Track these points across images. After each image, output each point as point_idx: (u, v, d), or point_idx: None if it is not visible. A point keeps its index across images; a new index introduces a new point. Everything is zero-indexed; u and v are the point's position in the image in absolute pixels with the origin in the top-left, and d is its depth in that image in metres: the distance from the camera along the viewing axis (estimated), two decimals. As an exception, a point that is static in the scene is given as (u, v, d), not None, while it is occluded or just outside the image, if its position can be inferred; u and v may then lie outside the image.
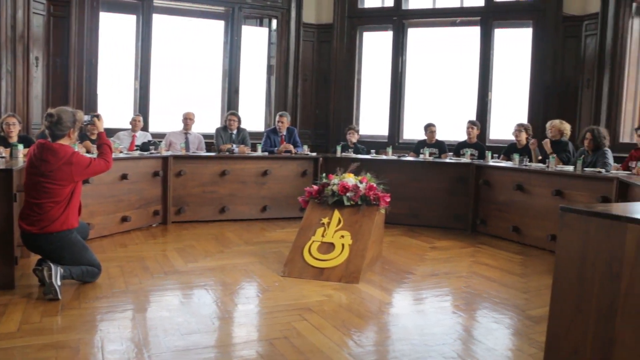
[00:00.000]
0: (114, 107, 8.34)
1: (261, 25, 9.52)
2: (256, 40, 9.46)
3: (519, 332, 3.58)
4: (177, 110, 8.17)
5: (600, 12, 7.74)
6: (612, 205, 4.18)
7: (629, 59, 7.71)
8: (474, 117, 8.40)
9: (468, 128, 7.76)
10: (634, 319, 2.23)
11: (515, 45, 8.77)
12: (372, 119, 9.57)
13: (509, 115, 8.48)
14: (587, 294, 2.43)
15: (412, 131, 9.08)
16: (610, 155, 6.36)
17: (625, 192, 5.18)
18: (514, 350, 3.27)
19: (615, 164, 6.31)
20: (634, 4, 7.59)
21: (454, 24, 8.99)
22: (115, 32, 8.39)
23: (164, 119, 8.66)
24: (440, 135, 8.11)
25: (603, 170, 5.96)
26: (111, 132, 7.37)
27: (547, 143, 6.78)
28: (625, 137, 7.74)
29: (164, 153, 6.86)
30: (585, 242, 2.43)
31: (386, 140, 9.08)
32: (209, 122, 8.88)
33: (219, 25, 9.14)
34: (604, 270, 2.35)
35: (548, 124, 7.03)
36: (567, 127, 6.93)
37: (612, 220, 2.33)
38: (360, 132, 8.80)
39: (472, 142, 7.76)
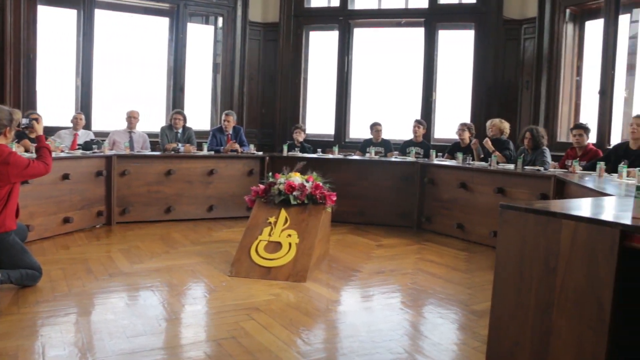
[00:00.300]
0: (54, 104, 8.11)
1: (207, 23, 9.43)
2: (202, 38, 9.37)
3: (463, 326, 3.68)
4: (121, 108, 8.02)
5: (537, 17, 8.02)
6: (550, 202, 4.35)
7: (564, 62, 8.01)
8: (418, 117, 8.54)
9: (414, 127, 7.90)
10: (568, 312, 2.34)
11: (458, 47, 8.97)
12: (319, 118, 9.61)
13: (453, 115, 8.67)
14: (525, 288, 2.52)
15: (358, 130, 9.17)
16: (548, 153, 6.60)
17: (562, 190, 5.38)
18: (458, 344, 3.36)
19: (553, 162, 6.53)
20: (568, 10, 7.89)
21: (399, 24, 9.12)
22: (55, 26, 8.14)
23: (107, 117, 8.48)
24: (386, 135, 8.23)
25: (542, 169, 6.18)
26: (52, 130, 7.19)
27: (487, 142, 6.98)
28: (562, 136, 8.03)
29: (108, 152, 6.71)
30: (524, 238, 2.52)
31: (333, 139, 9.14)
32: (154, 120, 8.74)
33: (163, 22, 9.01)
34: (541, 265, 2.45)
35: (488, 123, 7.24)
36: (506, 126, 7.16)
37: (548, 216, 2.43)
38: (307, 131, 8.83)
39: (418, 141, 7.90)
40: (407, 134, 8.13)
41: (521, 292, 2.55)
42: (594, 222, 2.27)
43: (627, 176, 4.97)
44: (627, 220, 2.25)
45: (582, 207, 2.79)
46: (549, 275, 2.42)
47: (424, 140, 7.99)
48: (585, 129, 6.44)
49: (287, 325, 3.53)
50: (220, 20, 9.25)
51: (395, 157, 7.61)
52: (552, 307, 2.41)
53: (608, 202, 3.08)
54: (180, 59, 8.92)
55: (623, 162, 5.33)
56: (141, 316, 3.63)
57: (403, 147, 7.99)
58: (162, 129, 7.71)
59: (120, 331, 3.33)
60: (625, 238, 2.16)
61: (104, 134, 7.65)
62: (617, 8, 7.25)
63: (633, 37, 7.42)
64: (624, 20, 7.40)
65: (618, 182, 4.74)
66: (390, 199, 7.17)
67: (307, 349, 3.18)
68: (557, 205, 2.78)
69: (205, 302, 4.05)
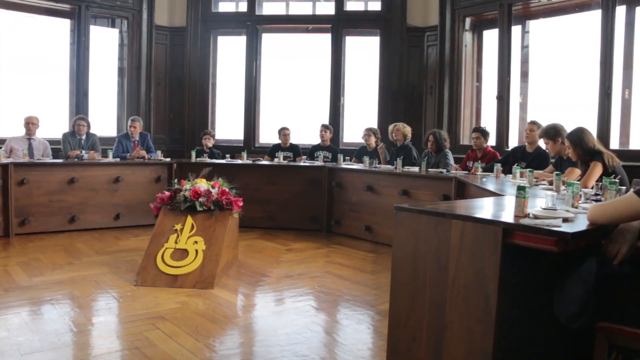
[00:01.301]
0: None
1: (113, 26, 9.16)
2: (107, 42, 9.10)
3: (369, 326, 3.80)
4: (19, 113, 7.64)
5: (439, 25, 8.35)
6: (450, 202, 4.54)
7: (465, 69, 8.39)
8: (327, 121, 8.68)
9: (321, 131, 8.03)
10: (459, 307, 2.47)
11: (365, 53, 9.19)
12: (228, 124, 9.57)
13: (361, 119, 8.86)
14: (420, 286, 2.64)
15: (268, 135, 9.19)
16: (450, 156, 6.89)
17: (462, 190, 5.64)
18: (364, 344, 3.46)
19: (455, 165, 6.82)
20: (467, 20, 8.26)
21: (306, 30, 9.23)
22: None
23: (3, 123, 8.06)
24: (296, 139, 8.30)
25: (444, 171, 6.43)
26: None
27: (382, 148, 7.25)
28: (465, 139, 8.39)
29: (4, 160, 6.40)
30: (417, 238, 2.64)
31: (242, 145, 9.11)
32: (56, 126, 8.38)
33: (65, 24, 8.68)
34: (433, 263, 2.57)
35: (391, 127, 7.47)
36: (408, 130, 7.40)
37: (439, 217, 2.55)
38: (217, 137, 8.78)
39: (325, 145, 8.03)
40: (316, 139, 8.24)
41: (416, 290, 2.66)
42: (479, 221, 2.41)
43: (520, 177, 5.26)
44: (509, 219, 2.40)
45: (475, 207, 2.95)
46: (441, 273, 2.54)
47: (332, 145, 8.13)
48: (482, 132, 6.77)
49: (192, 333, 3.51)
50: (125, 23, 9.02)
51: (303, 162, 7.69)
52: (445, 303, 2.53)
53: (499, 202, 3.26)
54: (84, 63, 8.61)
55: (519, 164, 5.67)
56: (39, 332, 3.49)
57: (311, 151, 8.10)
58: (64, 135, 7.43)
59: (13, 349, 3.18)
60: (507, 235, 2.31)
61: (0, 141, 7.28)
62: (509, 19, 7.68)
63: (526, 47, 7.88)
64: (517, 31, 7.85)
65: (512, 183, 5.02)
66: (299, 203, 7.25)
67: (212, 355, 3.18)
68: (453, 205, 2.92)
69: (108, 314, 3.95)
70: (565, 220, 2.42)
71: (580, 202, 2.97)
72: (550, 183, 4.59)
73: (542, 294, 2.49)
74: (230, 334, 3.64)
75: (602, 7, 6.64)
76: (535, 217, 2.42)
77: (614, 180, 3.13)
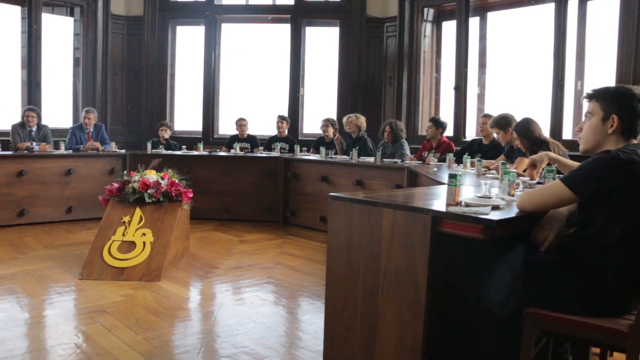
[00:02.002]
0: None
1: (68, 14, 8.93)
2: (61, 30, 8.87)
3: (313, 317, 3.76)
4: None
5: (398, 16, 8.35)
6: (392, 191, 4.53)
7: (424, 60, 8.40)
8: (286, 113, 8.62)
9: (278, 122, 7.99)
10: (391, 295, 2.45)
11: (325, 43, 9.15)
12: (188, 115, 9.45)
13: (321, 110, 8.83)
14: (354, 275, 2.62)
15: (228, 127, 9.09)
16: (407, 146, 6.91)
17: (414, 180, 5.64)
18: (305, 334, 3.43)
19: (411, 155, 6.83)
20: (426, 10, 8.28)
21: (265, 20, 9.15)
22: None
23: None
24: (255, 130, 8.24)
25: (399, 161, 6.44)
26: None
27: (338, 139, 7.24)
28: (423, 130, 8.40)
29: (-52, 152, 6.23)
30: (350, 227, 2.61)
31: (201, 136, 9.01)
32: (7, 117, 8.16)
33: (15, 11, 8.43)
34: (366, 252, 2.55)
35: (344, 119, 7.46)
36: (362, 121, 7.40)
37: (371, 205, 2.53)
38: (176, 128, 8.66)
39: (282, 136, 7.98)
40: (275, 130, 8.17)
41: (350, 279, 2.64)
42: (410, 209, 2.39)
43: (471, 166, 5.30)
44: (439, 207, 2.39)
45: (414, 195, 2.94)
46: (374, 261, 2.52)
47: (289, 136, 8.08)
48: (435, 122, 6.80)
49: (132, 326, 3.44)
50: (79, 11, 8.81)
51: (260, 153, 7.63)
52: (378, 292, 2.52)
53: (440, 191, 3.25)
54: (35, 52, 8.36)
55: (475, 156, 5.70)
56: (-29, 327, 3.39)
57: (268, 143, 8.04)
58: (14, 126, 7.23)
59: (-59, 345, 3.08)
60: (436, 223, 2.29)
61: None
62: (467, 11, 7.71)
63: (483, 38, 7.92)
64: (475, 22, 7.89)
65: (463, 172, 5.04)
66: (255, 194, 7.19)
67: (149, 348, 3.11)
68: (391, 195, 2.90)
69: (48, 309, 3.84)
70: (496, 207, 2.42)
71: (517, 190, 2.97)
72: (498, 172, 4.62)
73: (474, 282, 2.50)
74: (169, 325, 3.55)
75: (554, 0, 6.71)
76: (467, 205, 2.42)
77: (551, 168, 3.14)
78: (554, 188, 2.27)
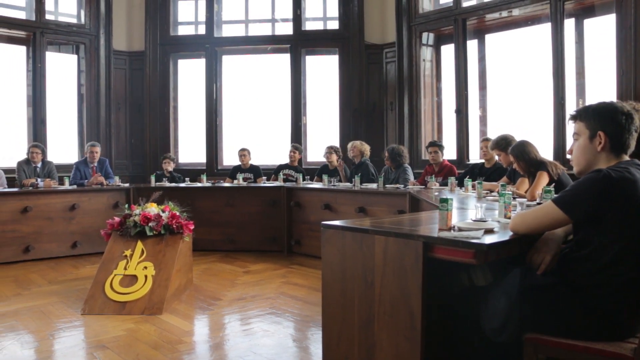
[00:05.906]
0: None
1: (72, 52, 9.05)
2: (65, 68, 9.00)
3: (315, 346, 3.71)
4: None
5: (397, 42, 8.40)
6: (396, 216, 4.51)
7: (424, 84, 8.43)
8: (289, 141, 8.65)
9: (291, 152, 8.02)
10: (387, 324, 2.42)
11: (325, 71, 9.21)
12: (191, 147, 9.49)
13: (324, 138, 8.85)
14: (349, 304, 2.59)
15: (232, 157, 9.12)
16: (410, 171, 6.89)
17: (416, 205, 5.61)
18: (305, 365, 3.39)
19: (413, 180, 6.81)
20: (426, 35, 8.32)
21: (265, 51, 9.23)
22: None
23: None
24: (260, 160, 8.26)
25: (402, 186, 6.42)
26: None
27: (340, 165, 7.24)
28: (426, 154, 8.36)
29: (-47, 191, 6.27)
30: (344, 255, 2.59)
31: (205, 168, 9.04)
32: (13, 155, 8.23)
33: (21, 51, 8.57)
34: (360, 280, 2.53)
35: (349, 145, 7.46)
36: (366, 148, 7.41)
37: (362, 233, 2.51)
38: (180, 160, 8.70)
39: (293, 165, 8.02)
40: (280, 159, 8.18)
41: (346, 308, 2.61)
42: (401, 236, 2.37)
43: (473, 189, 5.27)
44: (431, 233, 2.37)
45: (408, 221, 2.92)
46: (368, 289, 2.50)
47: (298, 165, 8.12)
48: (439, 146, 6.79)
49: (131, 361, 3.41)
50: (82, 49, 8.93)
51: (264, 182, 7.64)
52: (373, 321, 2.49)
53: (436, 216, 3.22)
54: (40, 90, 8.48)
55: (479, 179, 5.69)
56: (-30, 367, 3.37)
57: (277, 170, 8.06)
58: (19, 163, 7.30)
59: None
60: (428, 249, 2.27)
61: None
62: (464, 34, 7.76)
63: (482, 60, 7.94)
64: (473, 45, 7.92)
65: (464, 196, 5.01)
66: (259, 224, 7.17)
67: (148, 384, 3.08)
68: (382, 221, 2.88)
69: (49, 345, 3.82)
70: (489, 231, 2.39)
71: (513, 211, 2.94)
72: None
73: (472, 307, 2.46)
74: (169, 359, 3.54)
75: (551, 21, 6.74)
76: (460, 229, 2.39)
77: (549, 189, 3.12)
78: (546, 209, 2.24)
